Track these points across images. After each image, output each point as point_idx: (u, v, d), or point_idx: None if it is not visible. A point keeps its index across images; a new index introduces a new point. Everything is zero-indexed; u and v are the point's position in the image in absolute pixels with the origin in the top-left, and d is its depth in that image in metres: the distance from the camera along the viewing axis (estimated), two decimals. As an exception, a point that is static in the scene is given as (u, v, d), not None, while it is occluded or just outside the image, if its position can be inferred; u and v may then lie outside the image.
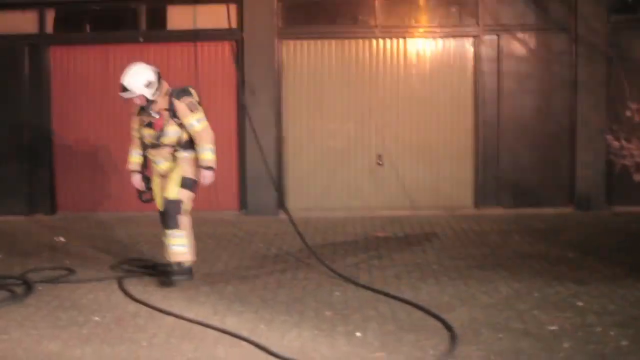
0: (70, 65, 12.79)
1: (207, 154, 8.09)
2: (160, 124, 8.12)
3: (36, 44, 12.75)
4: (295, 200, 12.69)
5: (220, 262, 9.32)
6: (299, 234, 9.51)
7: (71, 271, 8.85)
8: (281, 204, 10.17)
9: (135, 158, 8.51)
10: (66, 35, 12.90)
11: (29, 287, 8.08)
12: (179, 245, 8.19)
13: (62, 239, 10.78)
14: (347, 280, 8.26)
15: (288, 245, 10.06)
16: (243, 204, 12.56)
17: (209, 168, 8.10)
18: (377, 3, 12.57)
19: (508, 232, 10.84)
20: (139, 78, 8.02)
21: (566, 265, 8.81)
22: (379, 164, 12.64)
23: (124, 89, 8.01)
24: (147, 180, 8.51)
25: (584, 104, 12.39)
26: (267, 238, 10.64)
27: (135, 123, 8.41)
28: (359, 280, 8.25)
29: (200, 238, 10.30)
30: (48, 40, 12.79)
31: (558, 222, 11.53)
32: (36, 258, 9.69)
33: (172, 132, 8.10)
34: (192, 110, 8.06)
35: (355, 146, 12.70)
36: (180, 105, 8.03)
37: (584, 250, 9.58)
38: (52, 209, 12.88)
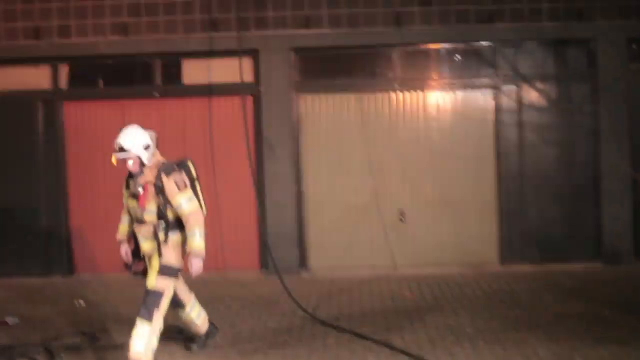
0: (85, 121, 12.60)
1: (196, 240, 7.34)
2: (144, 199, 7.42)
3: (50, 99, 12.59)
4: (317, 259, 12.45)
5: (246, 326, 9.04)
6: (291, 296, 9.58)
7: (94, 337, 8.56)
8: (272, 262, 9.84)
9: (124, 227, 7.89)
10: (80, 90, 12.71)
11: (51, 356, 7.81)
12: (140, 342, 7.24)
13: (82, 302, 10.49)
14: (381, 344, 8.00)
15: (313, 306, 9.77)
16: (264, 263, 12.27)
17: (197, 256, 7.36)
18: (395, 56, 12.43)
19: (538, 290, 10.57)
20: (137, 138, 7.44)
21: (604, 325, 8.56)
22: (401, 220, 12.39)
23: (121, 149, 7.39)
24: (138, 251, 7.77)
25: (607, 154, 12.20)
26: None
27: (124, 190, 7.80)
28: (393, 344, 7.99)
29: (222, 300, 10.16)
30: (62, 95, 12.61)
31: (587, 278, 11.25)
32: (56, 323, 9.42)
33: (156, 211, 7.42)
34: (180, 189, 7.37)
35: (377, 202, 12.44)
36: (169, 182, 7.35)
37: (619, 308, 9.34)
38: (70, 270, 12.58)
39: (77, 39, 12.35)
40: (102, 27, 12.33)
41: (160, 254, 7.42)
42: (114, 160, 7.51)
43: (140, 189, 7.45)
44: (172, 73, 12.58)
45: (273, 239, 11.90)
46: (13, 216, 12.49)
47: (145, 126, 7.80)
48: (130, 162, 7.47)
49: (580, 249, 12.27)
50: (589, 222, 12.30)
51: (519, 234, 12.32)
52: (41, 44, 12.36)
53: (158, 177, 7.40)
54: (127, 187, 7.72)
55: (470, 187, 12.46)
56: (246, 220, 12.27)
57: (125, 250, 7.89)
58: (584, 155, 12.39)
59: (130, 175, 7.65)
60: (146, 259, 7.68)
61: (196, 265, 7.38)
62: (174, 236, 7.50)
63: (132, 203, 7.62)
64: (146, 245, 7.56)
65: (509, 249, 12.34)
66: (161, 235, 7.43)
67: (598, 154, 12.26)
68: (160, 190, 7.39)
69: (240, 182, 12.13)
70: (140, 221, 7.54)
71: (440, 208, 12.44)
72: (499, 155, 12.40)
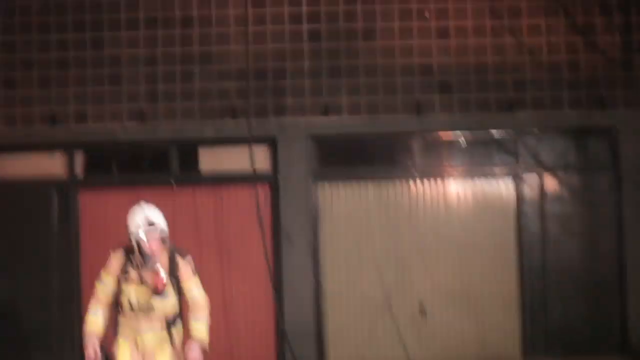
0: (100, 210, 12.35)
1: (203, 327, 7.06)
2: (162, 283, 6.93)
3: (65, 187, 12.40)
4: (336, 353, 12.12)
5: None
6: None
7: None
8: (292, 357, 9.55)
9: (98, 318, 7.17)
10: (96, 178, 12.54)
11: None
12: None
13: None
14: None
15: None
16: (280, 359, 11.93)
17: (201, 344, 7.01)
18: (415, 144, 12.28)
19: (563, 386, 10.24)
20: (160, 214, 7.12)
21: None
22: (421, 313, 12.11)
23: (151, 224, 6.99)
24: (104, 352, 7.16)
25: (632, 245, 11.92)
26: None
27: (110, 276, 7.16)
28: None
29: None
30: (77, 184, 12.42)
31: (614, 376, 10.93)
32: None
33: (172, 296, 7.04)
34: (194, 274, 7.09)
35: (397, 294, 12.16)
36: (185, 265, 7.04)
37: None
38: (83, 365, 12.27)
39: (94, 125, 12.22)
40: (119, 113, 12.22)
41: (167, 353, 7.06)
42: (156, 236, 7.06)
43: (161, 270, 6.99)
44: (189, 160, 12.42)
45: (290, 333, 11.64)
46: (24, 309, 12.18)
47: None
48: (153, 242, 7.05)
49: (605, 344, 11.96)
50: (614, 316, 12.01)
51: (542, 327, 12.02)
52: (57, 130, 12.22)
53: (172, 259, 7.07)
54: (125, 272, 7.14)
55: (491, 279, 12.19)
56: (262, 314, 11.97)
57: (94, 347, 7.09)
58: (608, 247, 12.14)
59: (128, 259, 7.15)
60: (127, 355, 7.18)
61: (196, 354, 7.00)
62: (180, 327, 7.18)
63: (136, 290, 7.09)
64: (150, 339, 7.11)
65: (532, 343, 12.02)
66: (170, 326, 7.08)
67: (622, 245, 12.02)
68: (173, 273, 7.04)
69: (256, 273, 11.87)
70: (149, 311, 7.08)
71: (461, 301, 12.14)
72: (521, 246, 12.16)
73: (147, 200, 11.21)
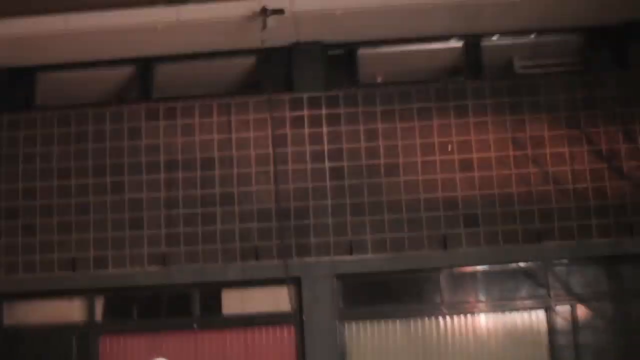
0: (121, 355, 12.13)
1: None
2: None
3: (85, 334, 12.15)
4: None
5: None
6: None
7: None
8: None
9: None
10: (116, 324, 12.31)
11: None
12: None
13: None
14: None
15: None
16: None
17: None
18: (442, 279, 12.04)
19: None
20: None
21: None
22: None
23: None
24: None
25: (671, 378, 11.54)
26: None
27: None
28: None
29: None
30: (97, 329, 12.19)
31: None
32: None
33: None
34: None
35: None
36: None
37: None
38: None
39: (114, 270, 12.04)
40: (140, 257, 12.06)
41: None
42: None
43: None
44: (211, 304, 12.20)
45: None
46: None
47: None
48: None
49: None
50: None
51: None
52: (77, 276, 12.05)
53: None
54: None
55: (526, 415, 11.75)
56: None
57: None
58: (646, 378, 11.75)
59: None
60: None
61: None
62: None
63: None
64: None
65: None
66: None
67: (661, 378, 11.62)
68: None
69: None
70: None
71: None
72: (556, 379, 11.76)
73: (169, 346, 11.26)
